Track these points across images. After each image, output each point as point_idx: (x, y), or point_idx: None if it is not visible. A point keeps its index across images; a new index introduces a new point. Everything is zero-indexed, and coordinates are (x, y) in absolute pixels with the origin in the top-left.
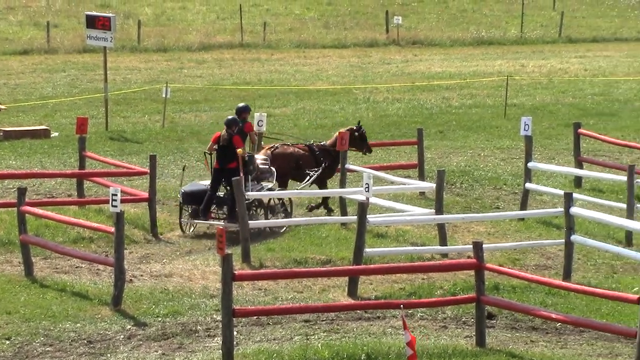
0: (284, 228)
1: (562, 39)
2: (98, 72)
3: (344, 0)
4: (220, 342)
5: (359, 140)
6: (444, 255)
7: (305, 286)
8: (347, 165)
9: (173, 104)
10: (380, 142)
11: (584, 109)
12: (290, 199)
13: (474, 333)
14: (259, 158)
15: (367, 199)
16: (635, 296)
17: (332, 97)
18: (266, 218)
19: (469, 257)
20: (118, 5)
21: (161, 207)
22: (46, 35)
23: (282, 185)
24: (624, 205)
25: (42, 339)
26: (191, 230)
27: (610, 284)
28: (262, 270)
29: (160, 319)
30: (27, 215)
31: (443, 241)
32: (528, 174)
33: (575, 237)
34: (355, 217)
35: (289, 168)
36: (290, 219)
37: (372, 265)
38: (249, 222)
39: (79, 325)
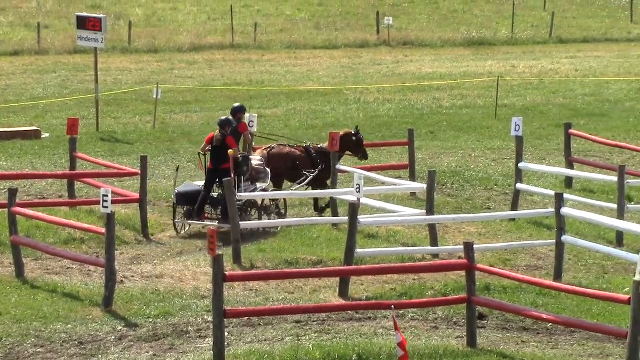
0: (279, 227)
1: (552, 39)
2: (89, 73)
3: (335, 1)
4: (212, 343)
5: (355, 145)
6: (435, 255)
7: (296, 287)
8: (338, 166)
9: (164, 104)
10: (371, 143)
11: (574, 110)
12: (284, 199)
13: (465, 333)
14: (255, 158)
15: (358, 199)
16: (626, 296)
17: (323, 97)
18: (259, 218)
19: (460, 257)
20: (109, 6)
21: (152, 208)
22: (37, 36)
23: (277, 185)
24: (615, 206)
25: (33, 340)
26: (185, 230)
27: (601, 285)
28: (253, 271)
29: (151, 320)
30: (17, 216)
31: (434, 242)
32: (519, 175)
33: (566, 238)
34: (347, 217)
35: (285, 169)
36: (281, 220)
37: (363, 266)
38: (241, 222)
39: (70, 326)
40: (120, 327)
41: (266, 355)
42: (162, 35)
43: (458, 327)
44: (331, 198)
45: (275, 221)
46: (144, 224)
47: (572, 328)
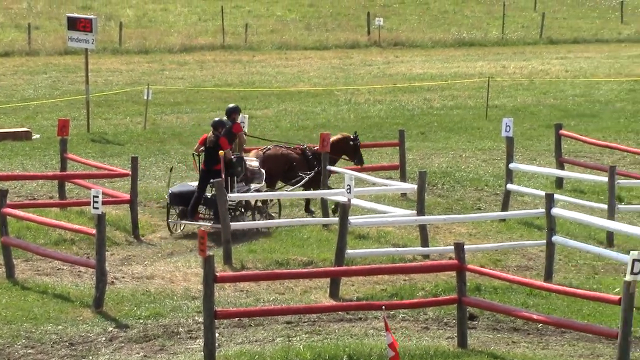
0: (274, 228)
1: (543, 40)
2: (79, 74)
3: (326, 2)
4: (202, 344)
5: (352, 150)
6: (426, 256)
7: (287, 288)
8: (328, 167)
9: (154, 105)
10: (362, 144)
11: (565, 110)
12: (279, 200)
13: (456, 334)
14: (249, 159)
15: (349, 200)
16: (617, 297)
17: (314, 98)
18: (253, 219)
19: (450, 258)
20: (99, 7)
21: (143, 208)
22: (27, 37)
23: (271, 186)
24: (605, 206)
25: (23, 341)
26: (180, 230)
27: (591, 285)
28: (243, 272)
29: (141, 320)
30: (8, 217)
31: (424, 242)
32: (509, 175)
33: (556, 238)
34: (337, 218)
35: (280, 170)
36: (272, 221)
37: (353, 267)
38: (231, 223)
39: (60, 327)
40: (110, 328)
41: (257, 356)
42: (153, 36)
43: (449, 328)
44: (322, 199)
45: (265, 222)
46: (135, 224)
47: (563, 328)
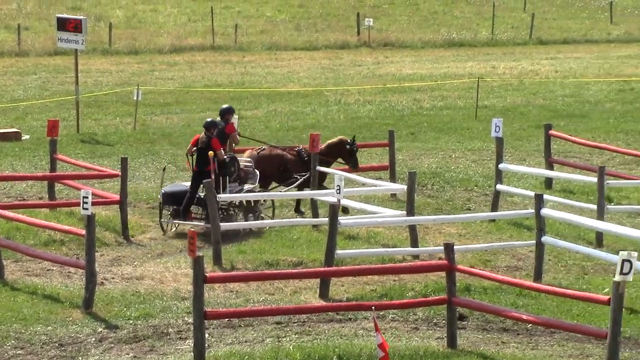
0: (267, 228)
1: (532, 40)
2: (69, 75)
3: (315, 2)
4: (192, 344)
5: (347, 153)
6: (415, 256)
7: (276, 288)
8: (318, 167)
9: (144, 106)
10: None
11: (554, 111)
12: (272, 200)
13: (445, 334)
14: (243, 160)
15: (339, 200)
16: (606, 297)
17: (304, 99)
18: (245, 219)
19: (440, 258)
20: (89, 7)
21: (132, 209)
22: (17, 37)
23: (265, 186)
24: (595, 207)
25: (13, 342)
26: (173, 230)
27: (580, 285)
28: (233, 273)
29: (131, 321)
30: None
31: (414, 243)
32: (499, 176)
33: (546, 239)
34: (327, 219)
35: (275, 170)
36: (261, 221)
37: (343, 267)
38: (222, 224)
39: (50, 328)
40: (100, 329)
41: (247, 357)
42: (143, 36)
43: (438, 328)
44: (311, 199)
45: (255, 222)
46: (124, 225)
47: (552, 329)
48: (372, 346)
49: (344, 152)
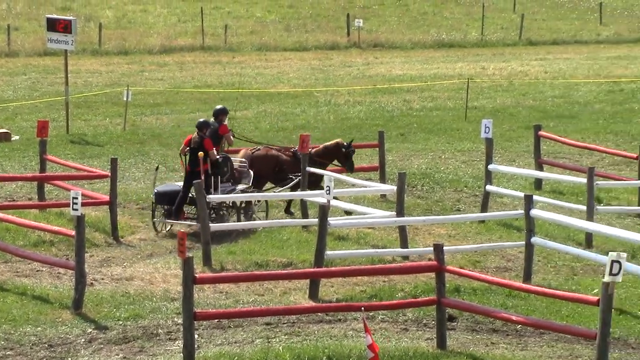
0: (259, 228)
1: (522, 41)
2: (59, 75)
3: (305, 3)
4: (182, 345)
5: (343, 157)
6: (405, 257)
7: (266, 289)
8: (308, 168)
9: (134, 107)
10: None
11: (544, 112)
12: (266, 201)
13: (435, 335)
14: (237, 160)
15: (328, 201)
16: (595, 298)
17: (293, 99)
18: (238, 219)
19: (429, 259)
20: (79, 8)
21: (122, 210)
22: (7, 38)
23: (259, 187)
24: (584, 207)
25: (2, 343)
26: (166, 230)
27: (570, 286)
28: (223, 274)
29: (121, 322)
30: None
31: (404, 243)
32: (488, 176)
33: (535, 239)
34: (317, 219)
35: (269, 171)
36: (251, 222)
37: (333, 268)
38: (211, 225)
39: (39, 329)
40: (90, 330)
41: (236, 358)
42: (132, 37)
43: (428, 329)
44: (301, 200)
45: (245, 223)
46: (114, 226)
47: (542, 329)
48: (362, 347)
49: (340, 155)
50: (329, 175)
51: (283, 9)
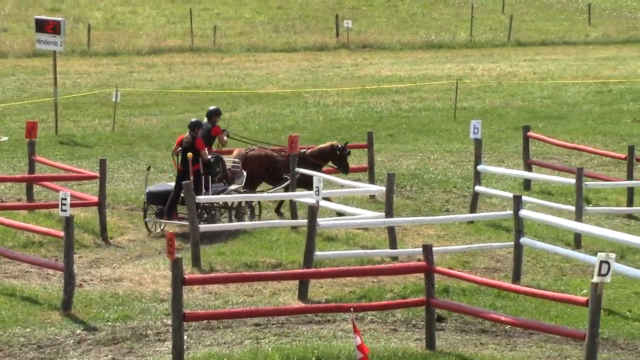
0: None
1: (511, 42)
2: (48, 76)
3: (294, 4)
4: (171, 346)
5: (338, 159)
6: (394, 258)
7: (255, 290)
8: (297, 169)
9: (123, 108)
10: None
11: (533, 112)
12: (259, 202)
13: (424, 336)
14: (230, 160)
15: (317, 202)
16: (584, 298)
17: (283, 100)
18: (230, 220)
19: (418, 260)
20: (68, 9)
21: (111, 211)
22: None
23: (253, 187)
24: (573, 208)
25: None
26: (158, 230)
27: (559, 287)
28: (212, 274)
29: (110, 323)
30: None
31: (393, 244)
32: (477, 177)
33: (524, 240)
34: (306, 220)
35: (263, 171)
36: (240, 223)
37: (322, 269)
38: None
39: (28, 330)
40: (79, 331)
41: (225, 358)
42: (121, 38)
43: (417, 330)
44: (290, 201)
45: (234, 224)
46: (103, 227)
47: (531, 330)
48: (351, 347)
49: (334, 157)
50: (318, 176)
51: (272, 10)
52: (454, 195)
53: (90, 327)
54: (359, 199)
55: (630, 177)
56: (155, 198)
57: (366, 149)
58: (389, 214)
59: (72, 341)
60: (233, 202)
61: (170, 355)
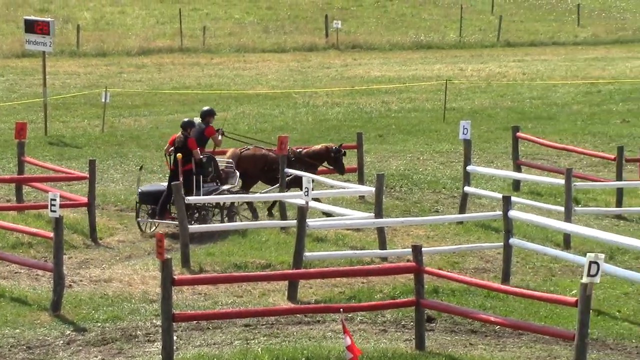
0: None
1: (500, 43)
2: (37, 77)
3: (284, 4)
4: (160, 347)
5: (333, 160)
6: (384, 258)
7: (245, 290)
8: (286, 170)
9: (112, 108)
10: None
11: (522, 113)
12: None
13: (414, 336)
14: (223, 160)
15: (307, 203)
16: (573, 299)
17: (272, 101)
18: (221, 220)
19: (408, 260)
20: (57, 9)
21: (100, 212)
22: None
23: (248, 186)
24: (562, 209)
25: None
26: (151, 230)
27: (548, 287)
28: (201, 275)
29: (99, 324)
30: None
31: (382, 245)
32: (467, 178)
33: (513, 240)
34: (295, 221)
35: (258, 170)
36: (230, 223)
37: (311, 269)
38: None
39: (18, 331)
40: (68, 332)
41: (215, 359)
42: (111, 38)
43: (406, 330)
44: (280, 201)
45: (224, 225)
46: (93, 228)
47: (520, 330)
48: (341, 348)
49: (330, 159)
50: (307, 176)
51: (261, 11)
52: (443, 196)
53: (79, 327)
54: (349, 200)
55: (619, 177)
56: (147, 198)
57: (355, 150)
58: (379, 214)
59: (61, 342)
60: (225, 202)
61: (160, 355)
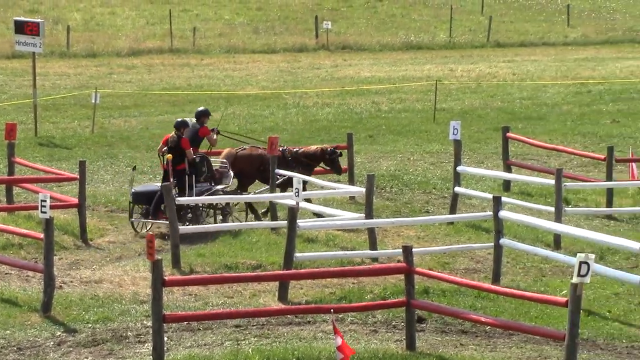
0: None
1: (490, 43)
2: (27, 78)
3: (274, 5)
4: (151, 348)
5: (329, 162)
6: (374, 259)
7: (235, 291)
8: (277, 170)
9: (102, 109)
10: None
11: (512, 113)
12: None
13: (404, 337)
14: (218, 160)
15: (297, 203)
16: (564, 299)
17: (262, 102)
18: (215, 220)
19: (398, 261)
20: (47, 10)
21: (91, 213)
22: None
23: (245, 186)
24: (552, 209)
25: None
26: (145, 230)
27: (538, 287)
28: (192, 276)
29: (90, 325)
30: None
31: (373, 245)
32: (457, 178)
33: (504, 241)
34: (286, 221)
35: (254, 170)
36: (221, 224)
37: (302, 270)
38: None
39: (8, 332)
40: (59, 333)
41: None
42: (101, 39)
43: (397, 331)
44: (270, 202)
45: (215, 225)
46: (83, 229)
47: (511, 331)
48: (332, 349)
49: (326, 160)
50: (297, 177)
51: (251, 12)
52: (433, 197)
53: (70, 329)
54: (339, 200)
55: (609, 177)
56: (141, 198)
57: (346, 150)
58: (369, 215)
59: (52, 343)
60: (218, 202)
61: (151, 356)
